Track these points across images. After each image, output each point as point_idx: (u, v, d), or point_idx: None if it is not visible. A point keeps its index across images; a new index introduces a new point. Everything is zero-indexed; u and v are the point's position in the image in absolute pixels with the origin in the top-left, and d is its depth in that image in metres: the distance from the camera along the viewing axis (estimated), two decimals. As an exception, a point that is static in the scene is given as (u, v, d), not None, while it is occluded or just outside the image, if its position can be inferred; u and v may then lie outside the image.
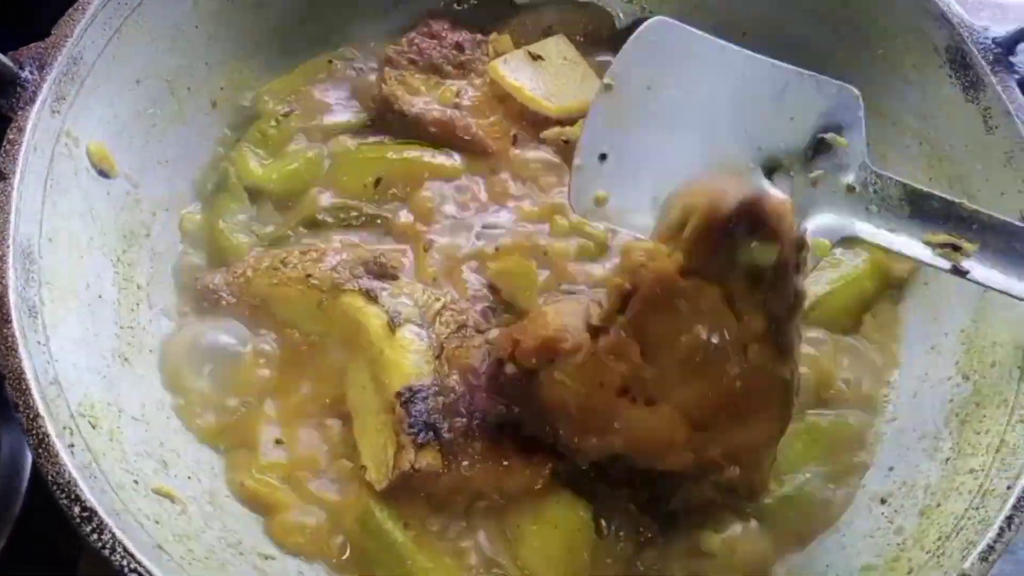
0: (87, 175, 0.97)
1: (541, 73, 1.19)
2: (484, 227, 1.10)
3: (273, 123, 1.16)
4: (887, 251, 0.93)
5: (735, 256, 0.77)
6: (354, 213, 1.10)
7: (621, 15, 1.27)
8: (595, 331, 0.83)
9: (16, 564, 1.01)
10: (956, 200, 0.89)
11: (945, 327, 1.04)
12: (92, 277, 0.95)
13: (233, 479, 0.96)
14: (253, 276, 1.03)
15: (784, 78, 0.94)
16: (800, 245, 0.79)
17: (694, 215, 0.78)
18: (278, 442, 0.97)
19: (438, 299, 1.01)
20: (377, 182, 1.11)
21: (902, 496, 0.95)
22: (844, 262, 1.09)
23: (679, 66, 0.93)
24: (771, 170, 0.93)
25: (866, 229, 0.91)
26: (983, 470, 0.87)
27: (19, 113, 0.90)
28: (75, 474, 0.77)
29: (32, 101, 0.90)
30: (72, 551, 1.01)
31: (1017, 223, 0.88)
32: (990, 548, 0.80)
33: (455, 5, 1.27)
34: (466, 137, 1.14)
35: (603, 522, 0.93)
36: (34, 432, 0.78)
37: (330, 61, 1.22)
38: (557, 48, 1.22)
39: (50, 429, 0.78)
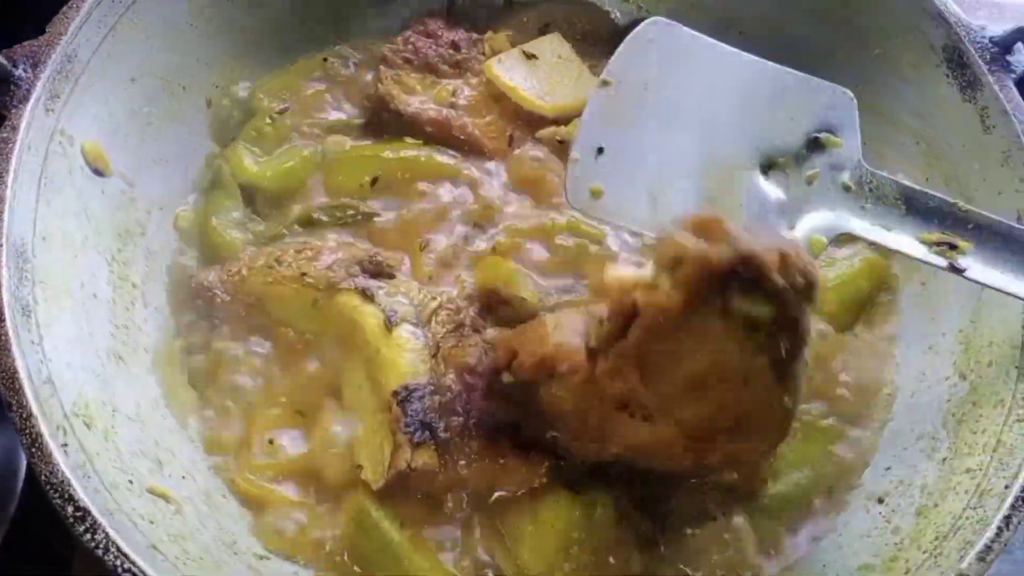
0: (81, 174, 0.97)
1: (536, 72, 1.18)
2: (480, 226, 1.09)
3: (268, 121, 1.16)
4: (884, 248, 0.94)
5: (730, 307, 0.73)
6: (350, 211, 1.10)
7: (618, 13, 1.27)
8: (594, 353, 0.82)
9: (12, 564, 1.01)
10: (951, 200, 0.90)
11: (943, 327, 1.04)
12: (86, 276, 0.95)
13: (227, 479, 0.96)
14: (248, 274, 1.02)
15: (779, 79, 0.95)
16: (806, 291, 0.74)
17: (685, 263, 0.73)
18: (271, 442, 0.97)
19: (434, 298, 1.01)
20: (374, 181, 1.11)
21: (899, 496, 0.95)
22: (840, 261, 1.10)
23: (676, 65, 0.94)
24: (767, 168, 0.94)
25: (862, 226, 0.92)
26: (980, 470, 0.87)
27: (13, 111, 0.89)
28: (68, 474, 0.77)
29: (26, 99, 0.90)
30: (67, 551, 1.01)
31: (1012, 223, 0.89)
32: (988, 548, 0.80)
33: (451, 4, 1.27)
34: (462, 136, 1.14)
35: (602, 522, 0.93)
36: (27, 432, 0.78)
37: (325, 59, 1.22)
38: (552, 47, 1.21)
39: (43, 429, 0.78)
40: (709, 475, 0.88)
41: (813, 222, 0.93)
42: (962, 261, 0.88)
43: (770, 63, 0.96)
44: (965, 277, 0.88)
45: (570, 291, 1.04)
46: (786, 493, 0.96)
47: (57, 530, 0.76)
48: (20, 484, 1.03)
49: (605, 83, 0.93)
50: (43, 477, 0.76)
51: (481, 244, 1.08)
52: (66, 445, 0.79)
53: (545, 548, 0.90)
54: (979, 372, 0.97)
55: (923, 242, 0.90)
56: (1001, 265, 0.87)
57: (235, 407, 0.99)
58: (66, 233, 0.93)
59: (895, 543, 0.90)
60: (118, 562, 0.74)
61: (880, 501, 0.96)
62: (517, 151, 1.15)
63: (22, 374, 0.79)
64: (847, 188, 0.93)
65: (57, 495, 0.76)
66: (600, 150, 0.92)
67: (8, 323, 0.81)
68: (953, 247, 0.88)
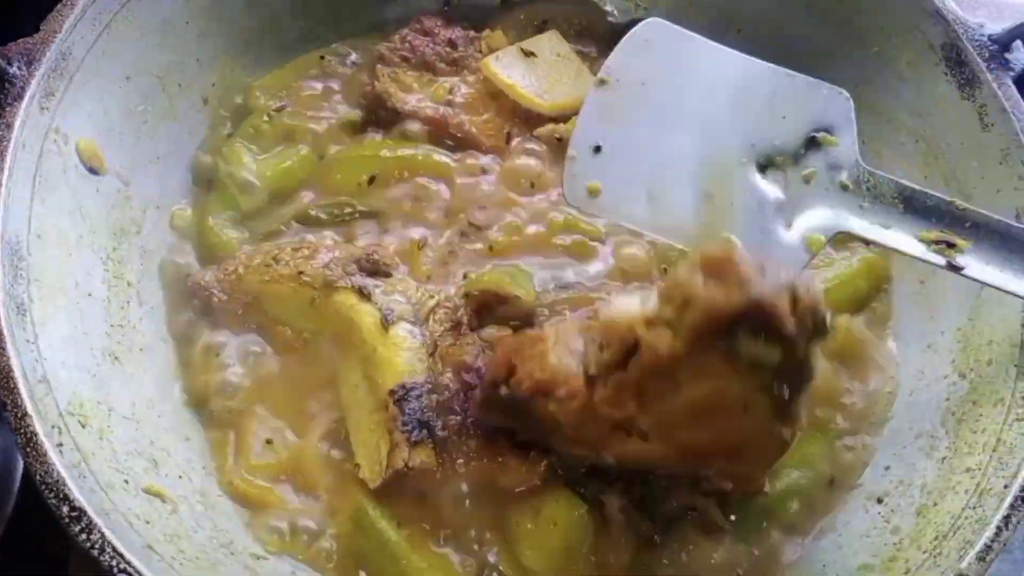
0: (76, 172, 0.96)
1: (534, 70, 1.18)
2: (478, 225, 1.09)
3: (266, 119, 1.15)
4: (882, 247, 0.94)
5: (736, 351, 0.71)
6: (348, 210, 1.10)
7: (615, 11, 1.27)
8: (592, 380, 0.81)
9: (9, 564, 1.01)
10: (949, 199, 0.90)
11: (941, 325, 1.04)
12: (82, 275, 0.95)
13: (223, 479, 0.95)
14: (244, 273, 1.02)
15: (776, 79, 0.95)
16: (814, 331, 0.73)
17: (694, 308, 0.71)
18: (268, 442, 0.97)
19: (432, 296, 1.01)
20: (371, 180, 1.11)
21: (899, 495, 0.95)
22: (838, 261, 1.09)
23: (673, 65, 0.95)
24: (764, 167, 0.94)
25: (860, 225, 0.92)
26: (980, 469, 0.87)
27: (7, 109, 0.89)
28: (63, 473, 0.76)
29: (20, 97, 0.90)
30: (63, 551, 1.01)
31: (1011, 221, 0.89)
32: (987, 547, 0.79)
33: (447, 2, 1.27)
34: (459, 134, 1.14)
35: (601, 521, 0.92)
36: (22, 431, 0.77)
37: (322, 57, 1.22)
38: (550, 44, 1.21)
39: (38, 428, 0.78)
40: (705, 481, 0.88)
41: (811, 221, 0.93)
42: (960, 259, 0.88)
43: (767, 63, 0.96)
44: (964, 275, 0.88)
45: (568, 288, 1.04)
46: (786, 493, 0.96)
47: (53, 530, 0.76)
48: (17, 484, 1.03)
49: (603, 81, 0.94)
50: (38, 477, 0.76)
51: (478, 243, 1.07)
52: (61, 445, 0.79)
53: (546, 547, 0.90)
54: (978, 371, 0.97)
55: (921, 240, 0.90)
56: (1000, 263, 0.87)
57: (231, 406, 0.99)
58: (61, 231, 0.93)
59: (894, 543, 0.90)
60: (114, 562, 0.74)
61: (879, 501, 0.95)
62: (514, 149, 1.15)
63: (17, 373, 0.79)
64: (845, 187, 0.94)
65: (52, 495, 0.75)
66: (598, 148, 0.93)
67: (3, 322, 0.81)
68: (951, 245, 0.88)
